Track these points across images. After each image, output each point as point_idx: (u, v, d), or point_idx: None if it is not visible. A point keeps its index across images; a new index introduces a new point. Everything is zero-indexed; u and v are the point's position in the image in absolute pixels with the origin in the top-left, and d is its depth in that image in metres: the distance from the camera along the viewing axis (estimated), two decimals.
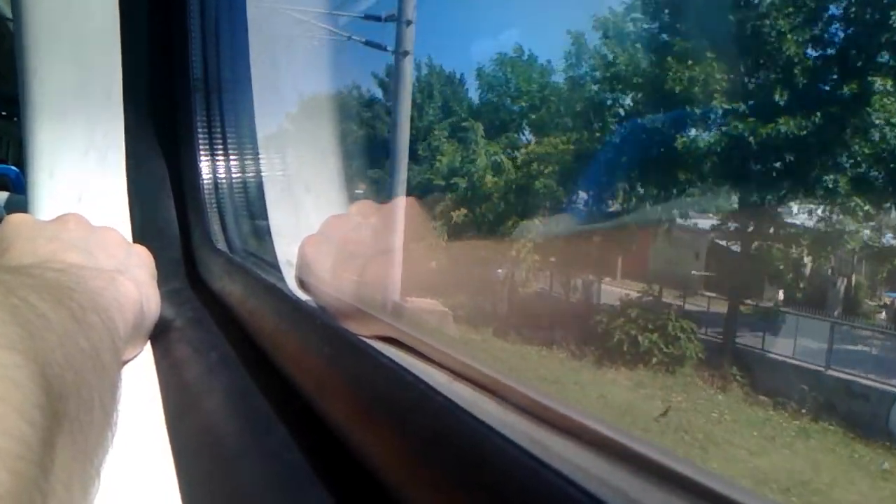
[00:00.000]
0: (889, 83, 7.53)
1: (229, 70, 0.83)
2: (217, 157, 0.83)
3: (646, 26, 9.88)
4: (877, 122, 7.57)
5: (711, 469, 0.21)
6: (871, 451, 5.94)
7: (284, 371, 0.42)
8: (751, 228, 9.48)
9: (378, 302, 0.49)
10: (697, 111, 9.08)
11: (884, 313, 9.42)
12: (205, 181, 0.81)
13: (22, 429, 0.23)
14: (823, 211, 8.53)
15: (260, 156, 0.82)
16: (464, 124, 13.25)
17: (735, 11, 8.33)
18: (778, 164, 8.42)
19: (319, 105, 0.80)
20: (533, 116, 12.64)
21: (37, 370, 0.26)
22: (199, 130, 0.82)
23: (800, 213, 8.95)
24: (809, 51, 8.17)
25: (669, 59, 8.93)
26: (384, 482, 0.28)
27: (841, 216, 8.40)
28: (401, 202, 0.57)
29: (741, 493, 0.19)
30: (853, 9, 8.05)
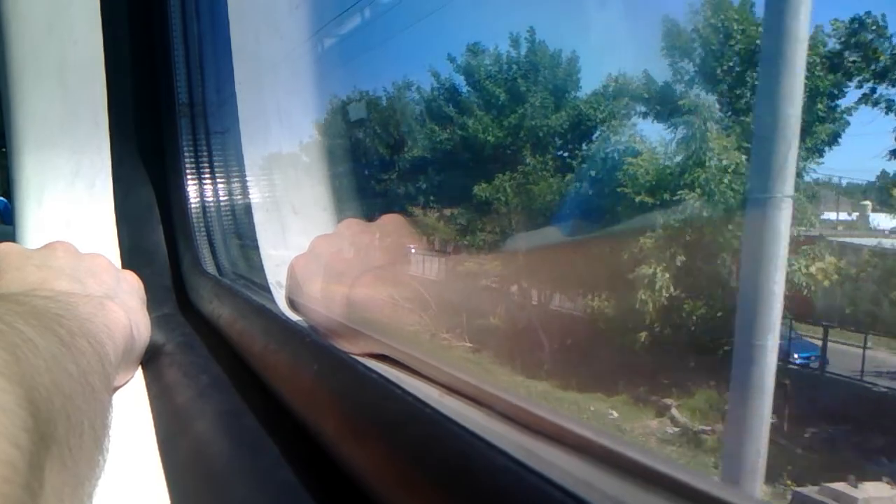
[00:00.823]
0: None
1: (215, 94, 0.84)
2: (204, 181, 0.83)
3: None
4: None
5: (698, 471, 0.21)
6: None
7: (275, 391, 0.42)
8: None
9: (368, 320, 0.49)
10: None
11: None
12: (192, 205, 0.81)
13: (8, 452, 0.23)
14: None
15: (247, 178, 0.82)
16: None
17: None
18: None
19: (311, 124, 0.80)
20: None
21: (23, 394, 0.26)
22: (186, 155, 0.82)
23: None
24: None
25: None
26: (376, 497, 0.28)
27: None
28: (388, 219, 0.57)
29: (728, 494, 0.19)
30: None
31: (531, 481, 0.20)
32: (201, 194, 0.83)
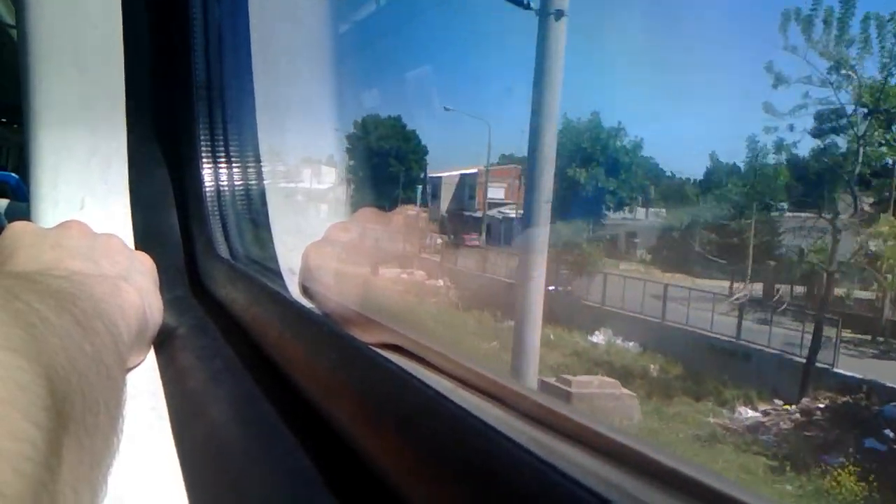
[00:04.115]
0: None
1: (232, 77, 0.84)
2: (219, 165, 0.83)
3: None
4: None
5: (716, 471, 0.21)
6: None
7: (289, 378, 0.43)
8: None
9: (382, 308, 0.49)
10: None
11: None
12: (207, 189, 0.81)
13: (28, 430, 0.23)
14: None
15: (262, 163, 0.82)
16: None
17: None
18: None
19: (329, 112, 0.80)
20: None
21: (41, 372, 0.26)
22: (202, 138, 0.82)
23: None
24: None
25: None
26: (392, 488, 0.28)
27: None
28: (405, 209, 0.57)
29: (745, 494, 0.19)
30: None
31: (553, 479, 0.20)
32: (216, 178, 0.83)
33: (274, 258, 0.70)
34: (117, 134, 0.78)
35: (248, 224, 0.83)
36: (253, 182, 0.84)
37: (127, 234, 0.78)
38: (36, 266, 0.49)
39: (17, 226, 0.55)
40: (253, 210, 0.83)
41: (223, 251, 0.78)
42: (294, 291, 0.59)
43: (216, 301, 0.68)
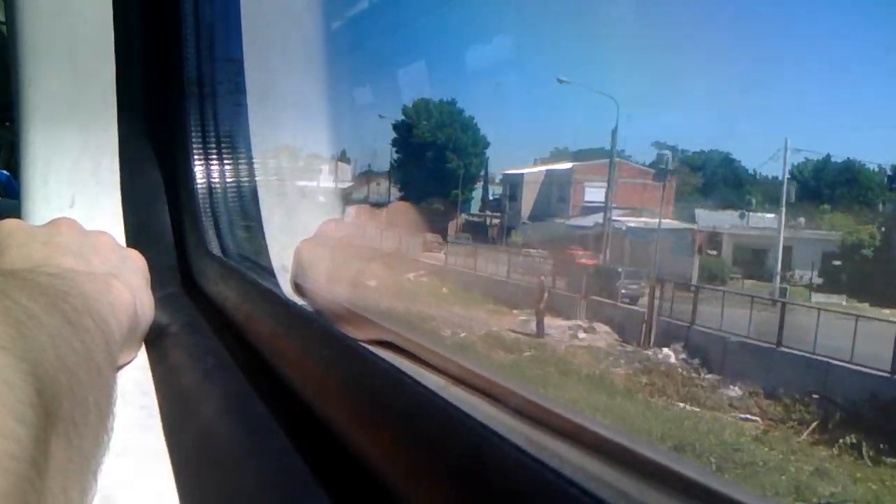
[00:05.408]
0: None
1: (223, 75, 0.83)
2: (211, 162, 0.83)
3: None
4: None
5: (706, 468, 0.21)
6: None
7: (281, 375, 0.42)
8: None
9: (375, 305, 0.49)
10: None
11: None
12: (199, 186, 0.81)
13: (13, 428, 0.23)
14: None
15: (254, 160, 0.81)
16: None
17: None
18: None
19: (322, 108, 0.79)
20: None
21: (28, 370, 0.26)
22: (194, 135, 0.81)
23: None
24: None
25: None
26: (384, 484, 0.28)
27: None
28: (397, 206, 0.57)
29: (737, 492, 0.19)
30: None
31: (541, 474, 0.20)
32: (208, 175, 0.83)
33: (266, 255, 0.70)
34: (108, 131, 0.78)
35: (240, 221, 0.83)
36: (245, 178, 0.83)
37: (118, 232, 0.77)
38: (26, 264, 0.49)
39: (8, 223, 0.55)
40: (245, 207, 0.83)
41: (215, 248, 0.78)
42: (287, 289, 0.59)
43: (208, 298, 0.68)
